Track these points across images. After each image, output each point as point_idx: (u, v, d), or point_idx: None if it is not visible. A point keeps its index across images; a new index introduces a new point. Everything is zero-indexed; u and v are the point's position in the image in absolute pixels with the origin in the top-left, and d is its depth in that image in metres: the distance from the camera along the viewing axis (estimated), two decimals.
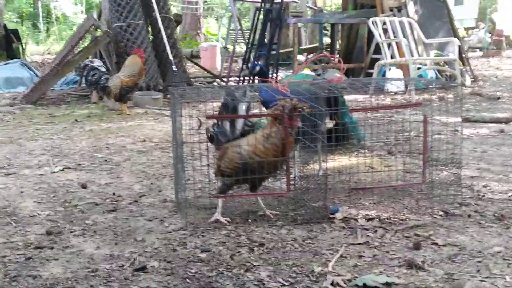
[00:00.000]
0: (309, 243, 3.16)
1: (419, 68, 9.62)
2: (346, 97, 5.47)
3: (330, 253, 3.00)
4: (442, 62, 10.38)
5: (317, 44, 14.76)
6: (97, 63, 8.46)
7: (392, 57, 9.70)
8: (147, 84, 9.19)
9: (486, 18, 24.16)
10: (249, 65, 8.81)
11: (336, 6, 32.79)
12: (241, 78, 10.64)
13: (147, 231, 3.39)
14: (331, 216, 3.52)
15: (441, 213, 3.58)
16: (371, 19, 9.92)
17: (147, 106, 8.66)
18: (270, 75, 10.16)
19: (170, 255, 3.02)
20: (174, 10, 15.19)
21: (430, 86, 4.50)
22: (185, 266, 2.86)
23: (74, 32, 10.47)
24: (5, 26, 17.85)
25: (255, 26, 10.97)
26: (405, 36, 9.86)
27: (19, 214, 3.74)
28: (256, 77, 9.39)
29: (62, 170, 4.93)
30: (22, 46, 17.98)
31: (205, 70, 12.69)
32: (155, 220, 3.59)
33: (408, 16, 10.44)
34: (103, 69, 8.34)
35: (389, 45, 9.95)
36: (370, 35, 10.48)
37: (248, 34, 12.25)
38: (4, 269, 2.86)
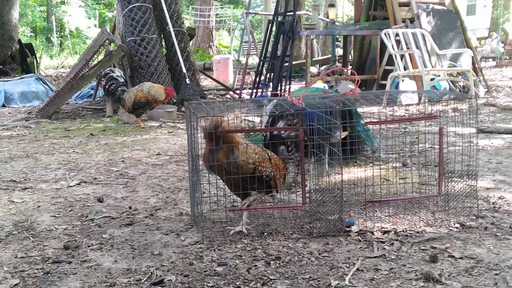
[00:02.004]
0: (326, 256, 3.16)
1: (432, 79, 9.61)
2: (360, 109, 5.46)
3: (346, 267, 3.00)
4: (456, 73, 10.36)
5: (329, 56, 14.79)
6: (117, 72, 8.52)
7: (405, 69, 9.69)
8: None
9: (498, 28, 24.06)
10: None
11: (349, 18, 32.88)
12: (254, 91, 10.67)
13: (163, 245, 3.40)
14: (347, 229, 3.52)
15: (457, 225, 3.58)
16: (384, 30, 9.93)
17: (161, 119, 8.71)
18: (283, 88, 10.19)
19: (187, 269, 3.03)
20: (187, 23, 15.28)
21: (444, 98, 4.50)
22: (202, 280, 2.88)
23: (89, 46, 10.57)
24: (19, 41, 18.05)
25: (268, 39, 11.02)
26: (418, 47, 9.86)
27: (36, 229, 3.77)
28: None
29: (78, 184, 4.97)
30: (36, 60, 18.16)
31: (218, 82, 12.75)
32: (172, 234, 3.60)
33: (421, 27, 10.44)
34: (122, 80, 8.42)
35: (402, 56, 9.95)
36: (383, 46, 10.49)
37: (260, 46, 12.30)
38: (23, 284, 2.88)
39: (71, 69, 10.65)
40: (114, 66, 9.80)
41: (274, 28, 10.78)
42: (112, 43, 9.95)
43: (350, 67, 12.34)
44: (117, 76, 8.42)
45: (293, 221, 3.72)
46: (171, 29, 10.00)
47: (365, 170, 4.80)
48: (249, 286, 2.79)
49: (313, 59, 15.20)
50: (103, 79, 8.46)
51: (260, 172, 3.46)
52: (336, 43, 15.06)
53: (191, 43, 12.40)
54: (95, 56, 9.76)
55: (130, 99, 8.07)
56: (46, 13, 38.25)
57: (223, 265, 3.06)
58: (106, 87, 8.36)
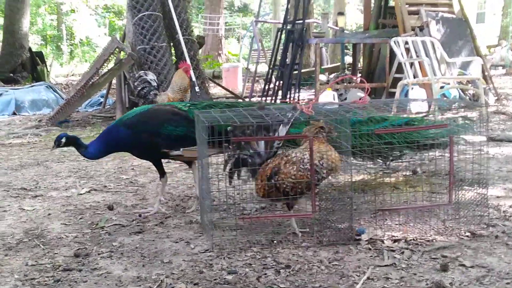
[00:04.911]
0: (336, 265, 3.16)
1: (442, 87, 9.58)
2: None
3: (357, 275, 2.99)
4: (465, 81, 10.33)
5: (338, 64, 14.79)
6: (151, 76, 8.40)
7: (414, 77, 9.67)
8: None
9: (508, 36, 23.99)
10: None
11: (358, 26, 32.88)
12: (264, 99, 10.68)
13: (173, 253, 3.41)
14: (357, 237, 3.52)
15: (468, 234, 3.56)
16: (393, 38, 9.92)
17: None
18: (292, 96, 10.20)
19: (197, 277, 3.03)
20: (196, 31, 15.32)
21: (454, 106, 4.49)
22: None
23: (99, 55, 10.60)
24: (30, 49, 18.13)
25: (277, 47, 11.03)
26: (427, 55, 9.84)
27: (47, 236, 3.79)
28: None
29: (89, 192, 4.99)
30: (46, 68, 18.23)
31: (227, 90, 12.76)
32: (181, 242, 3.61)
33: (430, 35, 10.42)
34: (154, 84, 8.32)
35: (412, 64, 9.94)
36: (392, 54, 10.47)
37: (269, 54, 12.32)
38: None
39: (81, 77, 10.68)
40: (125, 78, 9.82)
41: (283, 36, 10.79)
42: (122, 52, 9.99)
43: (359, 75, 12.32)
44: (150, 79, 8.32)
45: (302, 229, 3.71)
46: (181, 38, 10.03)
47: (375, 178, 4.79)
48: None
49: (322, 67, 15.20)
50: (135, 81, 8.36)
51: None
52: (345, 51, 15.07)
53: (200, 51, 12.42)
54: (105, 64, 9.79)
55: (163, 101, 8.00)
56: (56, 22, 38.42)
57: (233, 273, 3.06)
58: (139, 89, 8.26)
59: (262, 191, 3.60)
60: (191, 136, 4.09)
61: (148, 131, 4.13)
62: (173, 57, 10.43)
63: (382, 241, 3.46)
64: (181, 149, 4.18)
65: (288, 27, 10.61)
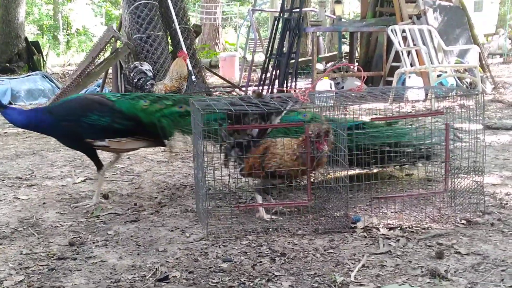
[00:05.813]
0: (331, 252, 3.15)
1: (439, 76, 9.56)
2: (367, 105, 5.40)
3: (352, 263, 2.99)
4: (463, 69, 10.31)
5: (335, 53, 14.76)
6: (146, 66, 8.31)
7: (412, 65, 9.65)
8: None
9: (506, 25, 23.96)
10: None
11: (355, 14, 32.83)
12: (260, 88, 10.67)
13: (168, 241, 3.40)
14: (353, 225, 3.51)
15: (463, 221, 3.56)
16: (390, 27, 9.88)
17: None
18: (289, 85, 10.18)
19: (192, 265, 3.02)
20: (193, 20, 15.26)
21: (451, 94, 4.47)
22: (207, 276, 2.87)
23: (95, 44, 10.55)
24: (26, 38, 18.09)
25: (274, 36, 11.00)
26: (424, 43, 9.82)
27: (41, 225, 3.78)
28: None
29: (84, 181, 4.98)
30: (43, 58, 18.19)
31: (224, 79, 12.74)
32: (177, 230, 3.60)
33: (428, 24, 10.39)
34: (150, 74, 8.23)
35: (409, 53, 9.91)
36: (390, 43, 10.44)
37: (266, 43, 12.29)
38: (28, 280, 2.88)
39: (77, 67, 10.64)
40: (122, 68, 9.77)
41: (280, 25, 10.76)
42: (118, 41, 9.95)
43: (356, 63, 12.30)
44: (146, 70, 8.22)
45: (298, 218, 3.71)
46: (177, 27, 10.00)
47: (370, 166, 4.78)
48: (254, 283, 2.78)
49: (319, 56, 15.17)
50: (131, 72, 8.28)
51: None
52: (343, 39, 15.03)
53: (197, 40, 12.38)
54: (101, 53, 9.75)
55: (160, 91, 7.93)
56: (53, 11, 38.28)
57: (228, 261, 3.05)
58: (135, 81, 8.14)
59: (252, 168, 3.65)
60: (116, 127, 4.10)
61: (70, 119, 4.10)
62: (170, 46, 10.39)
63: (378, 229, 3.46)
64: (107, 140, 4.15)
65: (285, 16, 10.58)
